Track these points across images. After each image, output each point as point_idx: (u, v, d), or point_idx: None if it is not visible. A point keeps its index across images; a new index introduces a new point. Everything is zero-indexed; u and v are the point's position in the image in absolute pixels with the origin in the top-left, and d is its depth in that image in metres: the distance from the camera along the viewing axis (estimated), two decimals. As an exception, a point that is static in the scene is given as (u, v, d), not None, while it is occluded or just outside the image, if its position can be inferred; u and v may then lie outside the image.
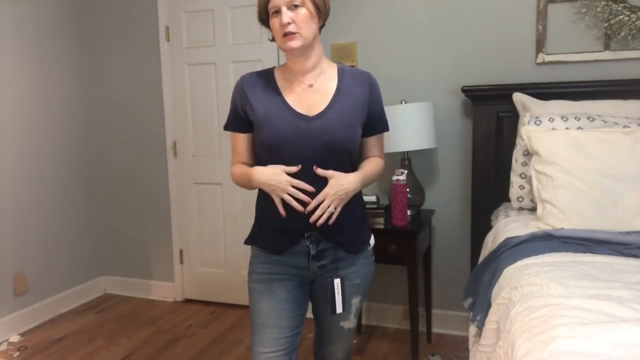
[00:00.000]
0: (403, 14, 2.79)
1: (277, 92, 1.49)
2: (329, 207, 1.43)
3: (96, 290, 3.67)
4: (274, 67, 1.58)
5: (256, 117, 1.48)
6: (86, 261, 3.59)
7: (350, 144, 1.48)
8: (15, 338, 3.00)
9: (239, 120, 1.54)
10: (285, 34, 1.40)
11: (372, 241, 1.65)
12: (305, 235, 1.49)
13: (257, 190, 1.55)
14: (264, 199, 1.52)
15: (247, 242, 1.62)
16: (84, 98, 3.55)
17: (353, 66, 2.02)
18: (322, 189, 1.43)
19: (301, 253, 1.51)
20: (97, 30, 3.54)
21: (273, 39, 1.49)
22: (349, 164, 1.51)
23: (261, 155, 1.51)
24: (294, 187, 1.42)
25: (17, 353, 2.83)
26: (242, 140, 1.56)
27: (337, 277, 1.52)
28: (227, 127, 1.58)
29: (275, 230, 1.51)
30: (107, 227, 3.68)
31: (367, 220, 1.66)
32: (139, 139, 3.51)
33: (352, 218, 1.53)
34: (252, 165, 1.56)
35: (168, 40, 3.36)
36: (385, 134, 1.66)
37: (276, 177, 1.42)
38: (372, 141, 1.61)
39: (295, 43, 1.41)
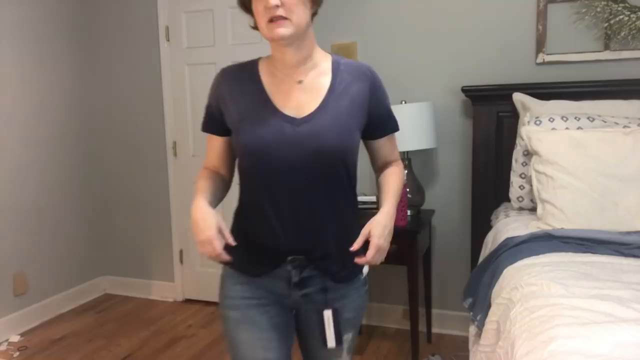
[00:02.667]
0: (403, 14, 2.78)
1: (260, 88, 1.26)
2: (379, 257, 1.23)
3: (96, 290, 3.67)
4: (259, 58, 1.32)
5: (233, 118, 1.26)
6: (86, 261, 3.59)
7: (345, 153, 1.25)
8: (15, 338, 3.00)
9: (215, 120, 1.32)
10: (272, 19, 1.15)
11: (365, 269, 1.41)
12: (288, 259, 1.27)
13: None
14: (244, 210, 1.32)
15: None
16: (83, 98, 3.54)
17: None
18: (317, 214, 1.24)
19: (281, 278, 1.29)
20: (97, 30, 3.54)
21: (255, 27, 1.24)
22: (345, 177, 1.28)
23: (241, 165, 1.30)
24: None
25: (17, 353, 2.83)
26: (216, 143, 1.35)
27: (328, 307, 1.30)
28: (203, 128, 1.37)
29: (254, 250, 1.29)
30: (107, 227, 3.68)
31: (362, 247, 1.39)
32: (139, 139, 3.51)
33: (345, 242, 1.27)
34: (225, 174, 1.37)
35: (168, 40, 3.36)
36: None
37: (201, 223, 1.17)
38: (383, 144, 1.39)
39: (284, 30, 1.15)
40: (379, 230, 1.21)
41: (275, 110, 1.23)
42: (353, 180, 1.32)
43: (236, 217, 1.35)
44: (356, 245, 1.20)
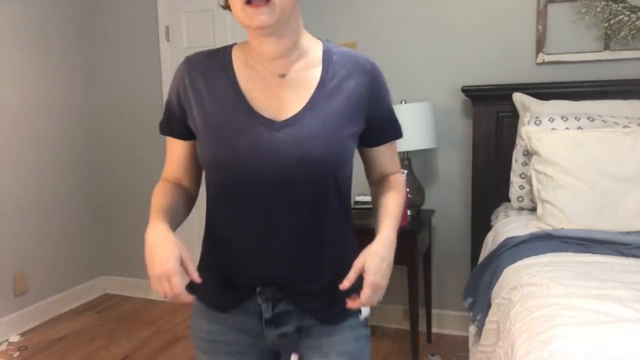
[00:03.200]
0: (403, 14, 2.78)
1: (232, 83, 1.01)
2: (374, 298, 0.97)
3: (96, 290, 3.67)
4: (233, 44, 1.08)
5: (196, 119, 1.01)
6: (86, 261, 3.58)
7: (336, 164, 1.01)
8: (15, 338, 2.99)
9: (175, 120, 1.06)
10: (250, 1, 0.90)
11: (365, 310, 1.06)
12: (258, 290, 1.04)
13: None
14: (210, 231, 1.09)
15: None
16: (84, 98, 3.54)
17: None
18: (298, 240, 1.01)
19: (252, 314, 1.06)
20: (97, 30, 3.54)
21: (226, 5, 0.99)
22: (336, 195, 1.03)
23: (207, 178, 1.06)
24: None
25: (17, 353, 2.83)
26: (178, 149, 1.09)
27: (295, 352, 1.07)
28: (160, 130, 1.10)
29: (219, 278, 1.07)
30: (107, 227, 3.68)
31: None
32: (139, 138, 3.51)
33: (333, 275, 1.01)
34: (188, 187, 1.12)
35: (168, 40, 3.36)
36: None
37: (157, 253, 0.96)
38: (382, 153, 1.13)
39: (265, 18, 0.91)
40: (375, 264, 0.97)
41: (249, 111, 0.98)
42: (346, 198, 1.07)
43: (204, 239, 1.12)
44: (347, 283, 0.96)
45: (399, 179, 1.17)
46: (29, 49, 3.15)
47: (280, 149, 0.96)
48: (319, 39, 1.08)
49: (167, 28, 3.35)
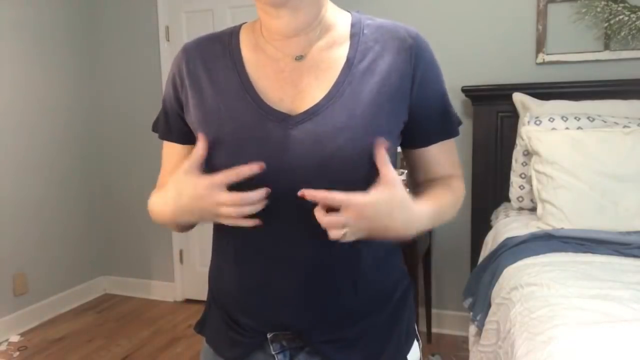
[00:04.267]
0: (402, 14, 2.78)
1: (238, 71, 0.82)
2: (342, 226, 0.69)
3: (96, 290, 3.67)
4: (242, 24, 0.88)
5: (194, 116, 0.83)
6: (86, 261, 3.58)
7: (370, 168, 0.74)
8: (15, 338, 2.99)
9: (172, 120, 0.89)
10: None
11: (413, 354, 0.88)
12: (269, 336, 0.83)
13: None
14: (215, 261, 0.92)
15: (196, 326, 0.98)
16: (83, 98, 3.54)
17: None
18: (322, 267, 0.79)
19: None
20: (97, 30, 3.53)
21: None
22: None
23: None
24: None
25: (17, 353, 2.83)
26: (175, 152, 0.91)
27: None
28: (154, 129, 0.95)
29: (224, 321, 0.88)
30: (107, 227, 3.68)
31: (408, 312, 0.88)
32: (139, 138, 3.51)
33: (370, 310, 0.83)
34: None
35: (168, 40, 3.36)
36: None
37: (195, 188, 0.74)
38: (434, 155, 0.88)
39: None
40: (380, 197, 0.69)
41: (259, 104, 0.79)
42: None
43: (210, 269, 0.95)
44: (307, 193, 0.69)
45: (460, 183, 0.92)
46: (29, 50, 3.15)
47: (295, 151, 0.75)
48: (347, 11, 0.87)
49: (167, 28, 3.35)
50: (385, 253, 0.86)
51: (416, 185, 0.92)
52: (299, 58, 0.81)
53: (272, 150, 0.76)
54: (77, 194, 3.50)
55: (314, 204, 0.70)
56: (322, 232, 0.70)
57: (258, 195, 0.71)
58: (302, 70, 0.80)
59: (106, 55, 3.54)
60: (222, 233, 0.88)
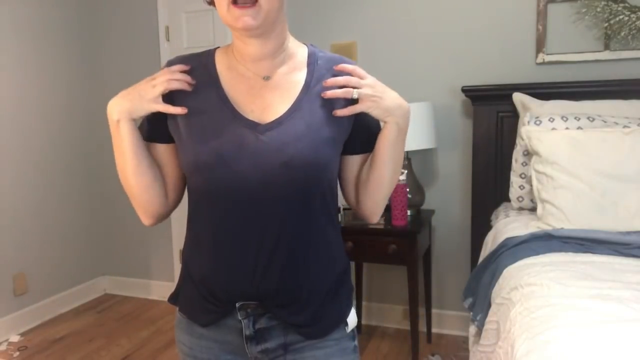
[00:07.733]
0: (403, 14, 2.78)
1: (215, 85, 1.00)
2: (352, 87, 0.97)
3: (96, 290, 3.67)
4: (216, 47, 1.08)
5: (177, 121, 1.00)
6: (86, 261, 3.59)
7: (321, 168, 0.97)
8: (15, 338, 2.99)
9: (157, 123, 1.04)
10: (236, 1, 0.90)
11: (351, 318, 1.06)
12: (237, 305, 1.00)
13: None
14: (190, 241, 1.07)
15: (170, 298, 1.18)
16: (83, 98, 3.54)
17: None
18: (281, 249, 0.96)
19: (232, 330, 1.03)
20: (97, 30, 3.54)
21: (211, 1, 0.99)
22: (321, 200, 1.00)
23: (189, 183, 1.03)
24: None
25: (17, 353, 2.83)
26: (160, 153, 1.06)
27: None
28: (141, 133, 1.07)
29: (198, 293, 1.05)
30: (107, 227, 3.68)
31: (347, 285, 1.08)
32: (139, 139, 3.51)
33: (318, 282, 1.01)
34: (174, 196, 1.10)
35: (168, 40, 3.36)
36: None
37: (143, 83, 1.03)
38: (357, 164, 1.08)
39: (251, 21, 0.91)
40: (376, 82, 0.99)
41: (233, 113, 0.97)
42: (332, 204, 1.03)
43: (184, 248, 1.10)
44: (331, 82, 0.98)
45: None
46: (29, 49, 3.15)
47: (264, 152, 0.93)
48: (304, 43, 1.07)
49: (167, 28, 3.35)
50: (327, 237, 1.03)
51: (361, 182, 1.09)
52: (267, 78, 1.00)
53: (245, 150, 0.94)
54: (77, 193, 3.50)
55: (279, 196, 0.94)
56: (280, 216, 0.95)
57: (180, 68, 1.01)
58: (269, 88, 1.00)
59: (106, 55, 3.54)
60: (200, 218, 1.02)
